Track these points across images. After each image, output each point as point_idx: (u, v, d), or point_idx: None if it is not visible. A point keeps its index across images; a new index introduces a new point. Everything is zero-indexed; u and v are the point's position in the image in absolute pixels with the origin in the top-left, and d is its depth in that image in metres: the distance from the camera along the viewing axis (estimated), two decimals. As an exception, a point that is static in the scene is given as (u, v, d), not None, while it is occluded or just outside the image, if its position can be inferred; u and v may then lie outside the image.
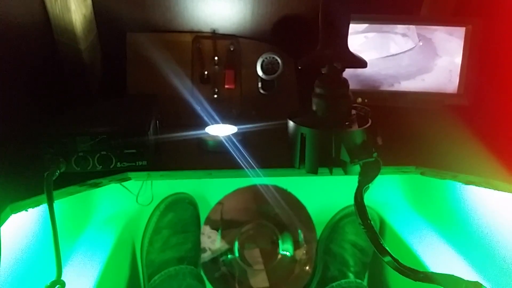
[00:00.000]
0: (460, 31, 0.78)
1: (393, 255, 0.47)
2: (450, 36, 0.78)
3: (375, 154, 0.56)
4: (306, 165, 0.60)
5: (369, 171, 0.55)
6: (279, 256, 1.06)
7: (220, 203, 1.07)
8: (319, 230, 1.09)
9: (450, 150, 0.70)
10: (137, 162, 0.62)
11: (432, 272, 0.46)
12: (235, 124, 0.76)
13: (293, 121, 0.61)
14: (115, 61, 0.83)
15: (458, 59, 0.79)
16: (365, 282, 1.02)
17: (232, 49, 0.84)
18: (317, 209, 1.08)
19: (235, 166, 0.65)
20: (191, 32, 0.84)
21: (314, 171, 0.60)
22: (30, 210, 0.55)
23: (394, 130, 0.74)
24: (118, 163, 0.61)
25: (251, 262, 1.05)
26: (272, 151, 0.72)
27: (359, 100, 0.81)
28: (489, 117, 0.77)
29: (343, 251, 1.03)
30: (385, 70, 0.81)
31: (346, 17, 0.58)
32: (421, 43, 0.79)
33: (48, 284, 0.50)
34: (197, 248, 1.04)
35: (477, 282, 0.43)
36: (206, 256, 1.05)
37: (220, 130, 0.74)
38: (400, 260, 0.47)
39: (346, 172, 0.58)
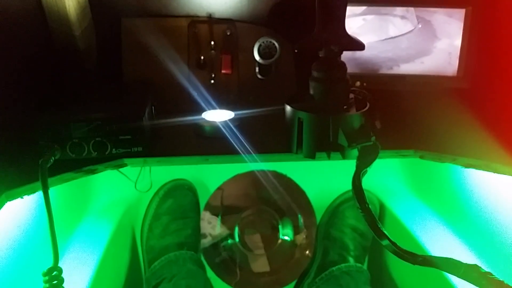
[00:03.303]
0: (460, 13, 0.76)
1: (392, 239, 0.47)
2: (450, 18, 0.77)
3: (373, 138, 0.55)
4: (304, 149, 0.59)
5: (367, 155, 0.54)
6: (279, 241, 1.06)
7: (219, 188, 1.07)
8: (318, 215, 1.09)
9: (450, 133, 0.69)
10: (132, 148, 0.61)
11: (431, 256, 0.45)
12: (232, 110, 0.75)
13: (290, 105, 0.60)
14: (110, 47, 0.82)
15: (457, 42, 0.78)
16: (365, 266, 1.03)
17: (228, 33, 0.83)
18: (316, 194, 1.08)
19: (233, 152, 0.65)
20: (187, 16, 0.83)
21: (311, 156, 0.59)
22: (25, 197, 0.55)
23: (393, 114, 0.73)
24: (114, 150, 0.61)
25: (252, 247, 1.05)
26: (269, 136, 0.71)
27: (358, 83, 0.80)
28: (489, 100, 0.76)
29: (343, 236, 1.03)
30: (384, 53, 0.80)
31: (343, -1, 0.57)
32: (420, 26, 0.78)
33: (45, 270, 0.50)
34: (197, 233, 1.04)
35: (475, 265, 0.43)
36: (206, 241, 1.06)
37: (217, 116, 0.73)
38: (400, 244, 0.47)
39: (344, 157, 0.58)
